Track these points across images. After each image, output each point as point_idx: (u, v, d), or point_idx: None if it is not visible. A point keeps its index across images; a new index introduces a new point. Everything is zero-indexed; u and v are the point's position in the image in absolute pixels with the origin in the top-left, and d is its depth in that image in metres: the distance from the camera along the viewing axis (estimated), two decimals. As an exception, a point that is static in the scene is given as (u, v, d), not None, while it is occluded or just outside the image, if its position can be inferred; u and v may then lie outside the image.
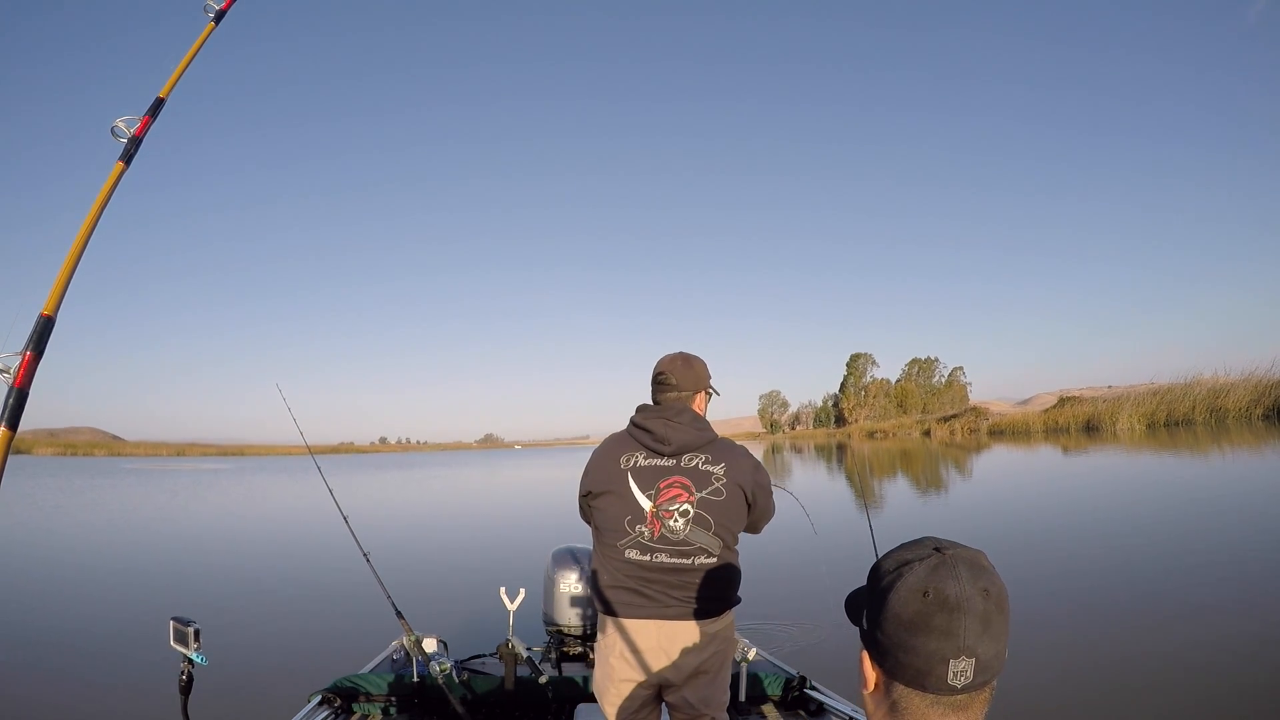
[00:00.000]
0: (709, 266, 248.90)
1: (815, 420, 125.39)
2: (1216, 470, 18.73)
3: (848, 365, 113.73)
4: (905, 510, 15.25)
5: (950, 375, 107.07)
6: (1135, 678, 4.97)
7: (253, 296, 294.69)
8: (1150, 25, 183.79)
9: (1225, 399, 37.84)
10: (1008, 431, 52.13)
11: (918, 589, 1.01)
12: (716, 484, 2.39)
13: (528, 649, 3.54)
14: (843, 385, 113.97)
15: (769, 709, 3.60)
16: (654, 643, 2.38)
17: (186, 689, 2.58)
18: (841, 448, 56.93)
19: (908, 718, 1.03)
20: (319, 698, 3.45)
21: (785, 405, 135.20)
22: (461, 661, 3.84)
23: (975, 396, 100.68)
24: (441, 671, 3.27)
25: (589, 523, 2.59)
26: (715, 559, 2.39)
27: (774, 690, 3.65)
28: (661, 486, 2.40)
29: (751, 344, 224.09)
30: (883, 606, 1.04)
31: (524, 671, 3.52)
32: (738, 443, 2.55)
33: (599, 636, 2.53)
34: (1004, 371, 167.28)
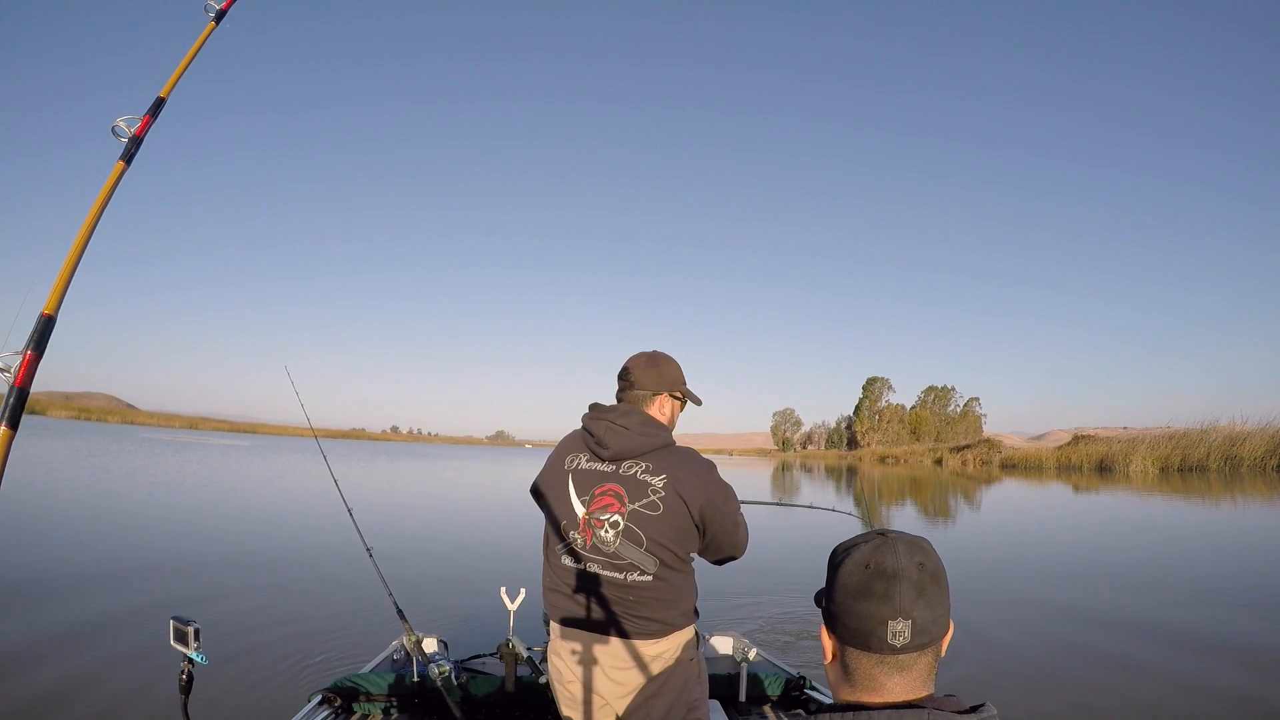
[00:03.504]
0: (730, 279, 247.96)
1: (827, 441, 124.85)
2: (1227, 520, 18.52)
3: (864, 388, 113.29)
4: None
5: (966, 405, 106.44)
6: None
7: (271, 279, 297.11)
8: (1177, 62, 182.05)
9: (1241, 447, 37.44)
10: (1020, 466, 51.69)
11: (861, 562, 1.17)
12: (653, 496, 2.18)
13: (528, 649, 3.53)
14: (857, 408, 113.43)
15: (769, 709, 3.62)
16: (590, 654, 2.25)
17: (186, 689, 2.56)
18: (852, 470, 56.61)
19: (858, 677, 1.16)
20: (319, 697, 3.47)
21: (798, 424, 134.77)
22: (462, 662, 3.86)
23: (989, 428, 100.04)
24: (441, 672, 3.26)
25: None
26: (649, 577, 2.18)
27: (774, 690, 3.67)
28: (596, 493, 2.23)
29: (768, 360, 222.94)
30: (834, 580, 1.21)
31: (524, 672, 3.52)
32: (704, 457, 2.32)
33: (550, 638, 2.43)
34: (1020, 405, 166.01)
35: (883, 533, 1.21)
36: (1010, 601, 8.51)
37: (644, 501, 2.17)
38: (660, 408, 2.39)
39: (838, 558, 1.22)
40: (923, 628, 1.13)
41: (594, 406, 2.40)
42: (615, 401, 2.43)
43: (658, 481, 2.19)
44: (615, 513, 2.18)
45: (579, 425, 2.42)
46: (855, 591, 1.16)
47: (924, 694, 1.15)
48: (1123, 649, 6.64)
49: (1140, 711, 5.18)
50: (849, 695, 1.18)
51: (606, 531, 2.18)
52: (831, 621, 1.21)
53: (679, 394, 2.45)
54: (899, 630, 1.12)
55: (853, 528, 3.80)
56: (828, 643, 1.22)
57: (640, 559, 2.16)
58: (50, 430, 51.21)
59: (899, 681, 1.14)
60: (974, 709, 1.11)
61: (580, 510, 2.24)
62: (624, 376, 2.42)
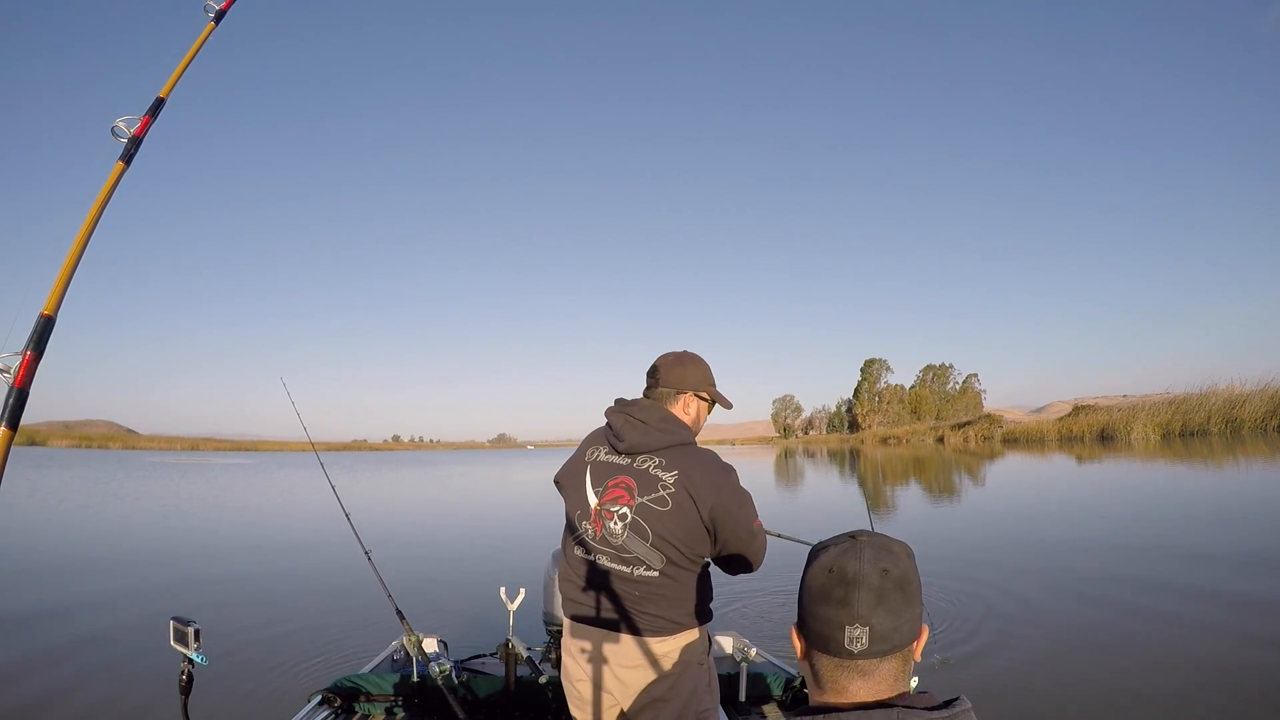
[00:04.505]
0: (725, 269, 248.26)
1: (829, 425, 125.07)
2: (1231, 482, 18.55)
3: (862, 371, 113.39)
4: (914, 516, 15.18)
5: (965, 382, 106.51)
6: (1135, 688, 4.95)
7: (265, 293, 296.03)
8: (1165, 33, 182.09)
9: (1241, 409, 37.47)
10: (1021, 439, 51.76)
11: (825, 566, 1.19)
12: (662, 491, 2.18)
13: (528, 649, 3.57)
14: (857, 391, 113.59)
15: (769, 709, 3.62)
16: (600, 649, 2.24)
17: (186, 689, 2.59)
18: (854, 453, 56.74)
19: (822, 678, 1.18)
20: (319, 698, 3.48)
21: (799, 410, 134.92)
22: (462, 661, 3.89)
23: (989, 404, 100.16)
24: (441, 672, 3.29)
25: None
26: (656, 573, 2.18)
27: (775, 690, 3.67)
28: (609, 485, 2.25)
29: (766, 348, 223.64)
30: (803, 582, 1.23)
31: (524, 671, 3.55)
32: (724, 461, 2.28)
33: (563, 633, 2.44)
34: (1019, 379, 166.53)
35: (854, 535, 1.22)
36: (1027, 567, 8.62)
37: (653, 496, 2.18)
38: (685, 407, 2.39)
39: (810, 557, 1.25)
40: (882, 635, 1.14)
41: (618, 401, 2.42)
42: (643, 395, 2.44)
43: (669, 477, 2.19)
44: (624, 505, 2.19)
45: (581, 424, 2.47)
46: (817, 595, 1.18)
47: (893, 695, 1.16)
48: (1145, 606, 6.83)
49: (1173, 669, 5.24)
50: (818, 697, 1.20)
51: (615, 523, 2.19)
52: (800, 622, 1.23)
53: (705, 395, 2.44)
54: (856, 636, 1.13)
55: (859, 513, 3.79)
56: (796, 641, 1.25)
57: (646, 553, 2.16)
58: (54, 460, 51.22)
59: (861, 685, 1.15)
60: (947, 704, 1.11)
61: (593, 501, 2.26)
62: (652, 374, 2.43)
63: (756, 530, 2.27)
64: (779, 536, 2.78)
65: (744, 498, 2.24)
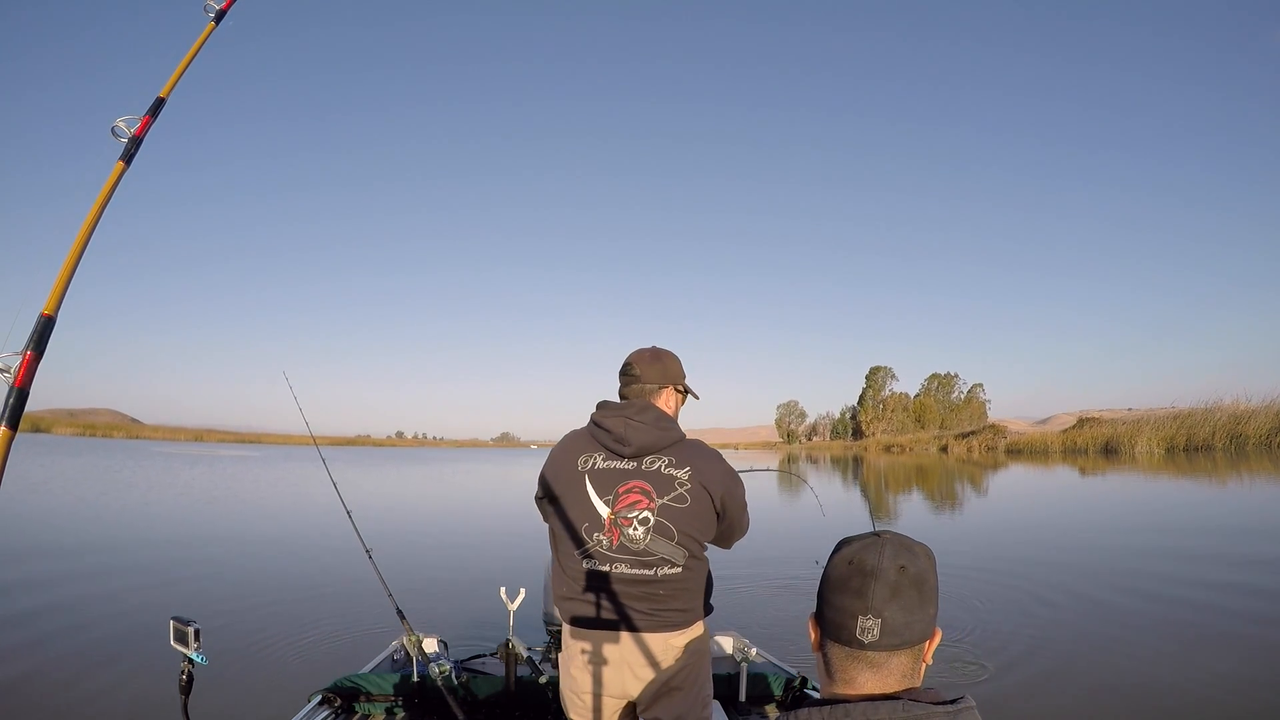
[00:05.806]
0: (731, 273, 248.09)
1: (832, 432, 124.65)
2: (1234, 498, 18.48)
3: (867, 378, 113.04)
4: (915, 524, 15.14)
5: (969, 392, 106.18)
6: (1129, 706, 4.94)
7: (269, 288, 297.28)
8: (1174, 45, 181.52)
9: (1246, 425, 37.33)
10: (1025, 450, 51.67)
11: (846, 558, 1.23)
12: (680, 489, 2.20)
13: (528, 649, 3.56)
14: (861, 398, 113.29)
15: (769, 709, 3.62)
16: (616, 655, 2.23)
17: (186, 689, 2.58)
18: (857, 460, 56.69)
19: (834, 669, 1.22)
20: (319, 698, 3.48)
21: (803, 416, 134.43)
22: (462, 661, 3.87)
23: (994, 414, 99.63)
24: (441, 672, 3.27)
25: (549, 524, 2.42)
26: (679, 569, 2.21)
27: (775, 690, 3.66)
28: (620, 491, 2.22)
29: (771, 353, 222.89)
30: (824, 572, 1.27)
31: (524, 672, 3.53)
32: (710, 446, 2.35)
33: (562, 645, 2.38)
34: (1023, 390, 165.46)
35: (879, 533, 1.25)
36: (1028, 578, 8.58)
37: (672, 495, 2.20)
38: (666, 402, 2.42)
39: (834, 550, 1.28)
40: (893, 629, 1.16)
41: (605, 404, 2.39)
42: (619, 398, 2.43)
43: (683, 474, 2.22)
44: (645, 509, 2.19)
45: (584, 424, 2.42)
46: (835, 584, 1.22)
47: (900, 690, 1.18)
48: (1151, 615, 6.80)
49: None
50: (828, 688, 1.23)
51: (636, 529, 2.19)
52: (817, 610, 1.27)
53: (681, 388, 2.48)
54: (868, 627, 1.16)
55: (857, 517, 3.81)
56: (812, 631, 1.28)
57: (671, 552, 2.19)
58: (60, 448, 51.36)
59: (869, 677, 1.18)
60: (952, 701, 1.14)
61: (604, 511, 2.22)
62: (627, 372, 2.42)
63: (745, 503, 2.37)
64: (752, 470, 2.88)
65: (737, 477, 2.34)
